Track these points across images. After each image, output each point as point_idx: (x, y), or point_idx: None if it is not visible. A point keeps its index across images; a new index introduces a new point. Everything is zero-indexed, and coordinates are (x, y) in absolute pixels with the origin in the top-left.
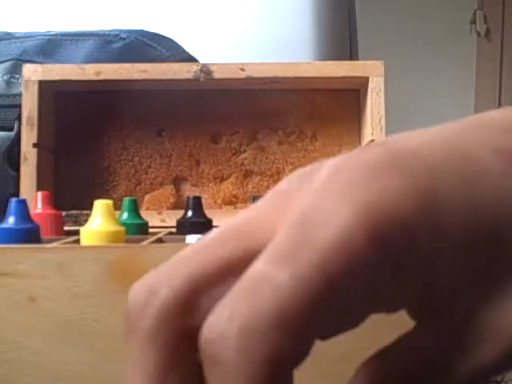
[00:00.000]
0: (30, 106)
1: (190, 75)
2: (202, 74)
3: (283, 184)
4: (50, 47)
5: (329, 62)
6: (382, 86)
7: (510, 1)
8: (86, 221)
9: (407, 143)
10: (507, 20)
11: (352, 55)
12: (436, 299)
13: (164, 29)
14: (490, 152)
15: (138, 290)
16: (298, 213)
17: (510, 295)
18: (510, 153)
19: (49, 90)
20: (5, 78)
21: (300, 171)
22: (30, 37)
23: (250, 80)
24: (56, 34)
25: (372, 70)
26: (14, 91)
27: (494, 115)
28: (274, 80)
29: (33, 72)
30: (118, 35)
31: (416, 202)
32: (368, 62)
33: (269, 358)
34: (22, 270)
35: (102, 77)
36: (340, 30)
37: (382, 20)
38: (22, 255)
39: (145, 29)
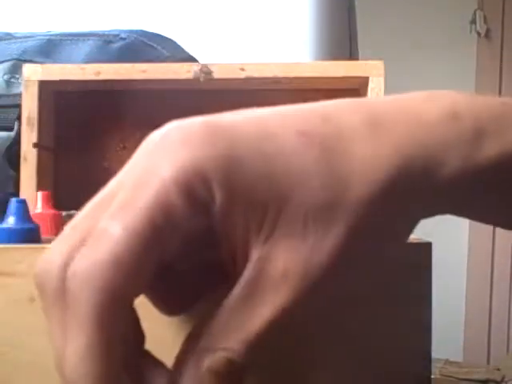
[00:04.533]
0: (29, 106)
1: (190, 75)
2: (202, 74)
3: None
4: (49, 47)
5: (329, 62)
6: (382, 86)
7: (510, 1)
8: None
9: (226, 119)
10: (507, 20)
11: (352, 55)
12: (232, 249)
13: (164, 29)
14: (292, 132)
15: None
16: (131, 173)
17: (292, 248)
18: (311, 135)
19: (49, 90)
20: (5, 77)
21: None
22: (30, 37)
23: (249, 80)
24: (56, 34)
25: (372, 70)
26: (14, 91)
27: (316, 104)
28: (274, 80)
29: (33, 72)
30: (118, 35)
31: (216, 163)
32: (368, 62)
33: (106, 289)
34: (22, 269)
35: (102, 77)
36: (340, 30)
37: (381, 20)
38: (22, 255)
39: (145, 29)
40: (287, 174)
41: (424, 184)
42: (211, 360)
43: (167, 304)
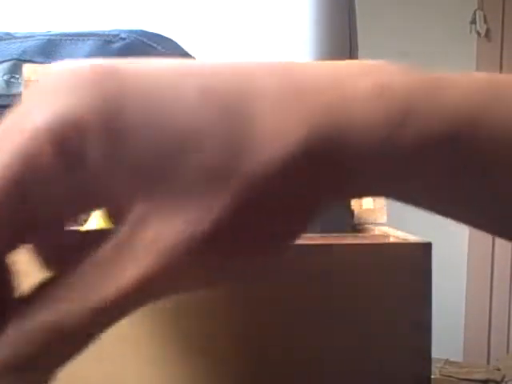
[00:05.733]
0: None
1: None
2: None
3: None
4: (50, 47)
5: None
6: None
7: (510, 1)
8: (85, 221)
9: (127, 66)
10: (507, 20)
11: (352, 55)
12: (111, 208)
13: (164, 29)
14: (195, 87)
15: None
16: (8, 117)
17: (169, 216)
18: (214, 92)
19: None
20: (5, 77)
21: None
22: (30, 37)
23: None
24: (56, 34)
25: None
26: (14, 91)
27: (238, 61)
28: None
29: (33, 72)
30: (118, 35)
31: (98, 114)
32: None
33: None
34: (22, 269)
35: None
36: (340, 30)
37: (382, 20)
38: (22, 255)
39: (145, 29)
40: (179, 132)
41: (334, 161)
42: (64, 310)
43: (49, 261)
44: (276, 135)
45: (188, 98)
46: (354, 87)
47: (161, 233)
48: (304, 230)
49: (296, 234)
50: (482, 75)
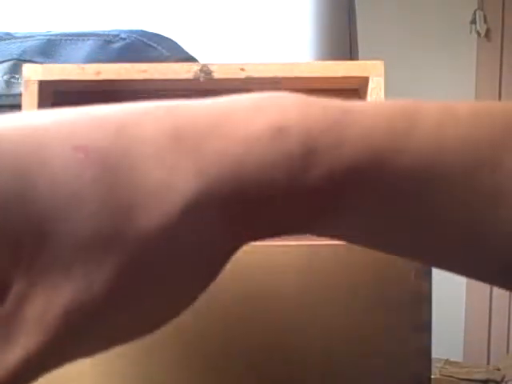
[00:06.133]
0: (29, 106)
1: (189, 75)
2: (202, 74)
3: None
4: (49, 47)
5: (329, 62)
6: (382, 86)
7: (510, 1)
8: None
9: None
10: (507, 20)
11: (352, 55)
12: None
13: (164, 29)
14: (68, 146)
15: None
16: None
17: (54, 288)
18: (91, 150)
19: (49, 90)
20: (5, 77)
21: None
22: (30, 37)
23: (249, 80)
24: (56, 34)
25: (372, 70)
26: (14, 91)
27: (122, 108)
28: (274, 80)
29: (33, 72)
30: (118, 35)
31: None
32: (368, 62)
33: None
34: None
35: (102, 77)
36: (340, 30)
37: (381, 20)
38: None
39: (145, 29)
40: (52, 198)
41: (236, 209)
42: None
43: None
44: (166, 193)
45: (63, 159)
46: (247, 129)
47: (48, 305)
48: (216, 276)
49: (206, 282)
50: (392, 106)
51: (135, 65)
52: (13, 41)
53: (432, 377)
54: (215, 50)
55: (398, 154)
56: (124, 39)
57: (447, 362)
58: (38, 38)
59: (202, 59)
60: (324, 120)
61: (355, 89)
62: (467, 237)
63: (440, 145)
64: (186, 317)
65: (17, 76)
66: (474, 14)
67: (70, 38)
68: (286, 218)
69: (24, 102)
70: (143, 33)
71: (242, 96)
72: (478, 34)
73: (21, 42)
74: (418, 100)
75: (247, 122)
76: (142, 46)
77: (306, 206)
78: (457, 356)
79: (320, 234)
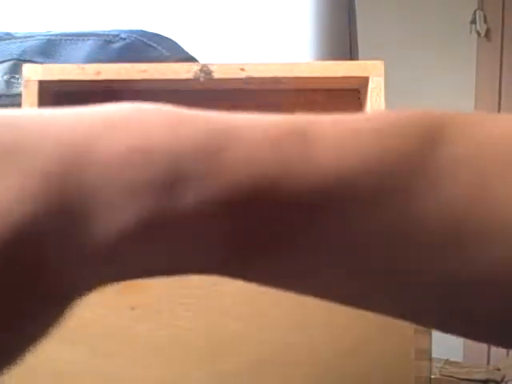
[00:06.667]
0: (29, 106)
1: (189, 75)
2: (202, 74)
3: None
4: (49, 47)
5: (329, 62)
6: (382, 86)
7: (510, 1)
8: None
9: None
10: (507, 20)
11: (352, 55)
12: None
13: (164, 29)
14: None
15: None
16: None
17: None
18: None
19: (49, 90)
20: (5, 77)
21: None
22: (29, 37)
23: (249, 80)
24: (56, 34)
25: (372, 70)
26: (14, 91)
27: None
28: (274, 80)
29: (33, 72)
30: (118, 35)
31: None
32: (368, 62)
33: None
34: None
35: (102, 77)
36: (340, 30)
37: (381, 20)
38: None
39: (145, 29)
40: None
41: (74, 252)
42: None
43: None
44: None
45: None
46: (99, 152)
47: None
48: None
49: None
50: (281, 125)
51: (135, 65)
52: (13, 41)
53: (432, 377)
54: (215, 49)
55: (288, 179)
56: (124, 39)
57: (447, 362)
58: (38, 38)
59: (202, 59)
60: (196, 143)
61: (355, 89)
62: (387, 275)
63: (339, 164)
64: (186, 318)
65: (17, 76)
66: (474, 14)
67: (69, 38)
68: (176, 253)
69: (24, 101)
70: (143, 33)
71: (95, 108)
72: (478, 34)
73: (21, 42)
74: (309, 116)
75: (102, 142)
76: (142, 46)
77: (184, 242)
78: (457, 356)
79: (236, 277)
